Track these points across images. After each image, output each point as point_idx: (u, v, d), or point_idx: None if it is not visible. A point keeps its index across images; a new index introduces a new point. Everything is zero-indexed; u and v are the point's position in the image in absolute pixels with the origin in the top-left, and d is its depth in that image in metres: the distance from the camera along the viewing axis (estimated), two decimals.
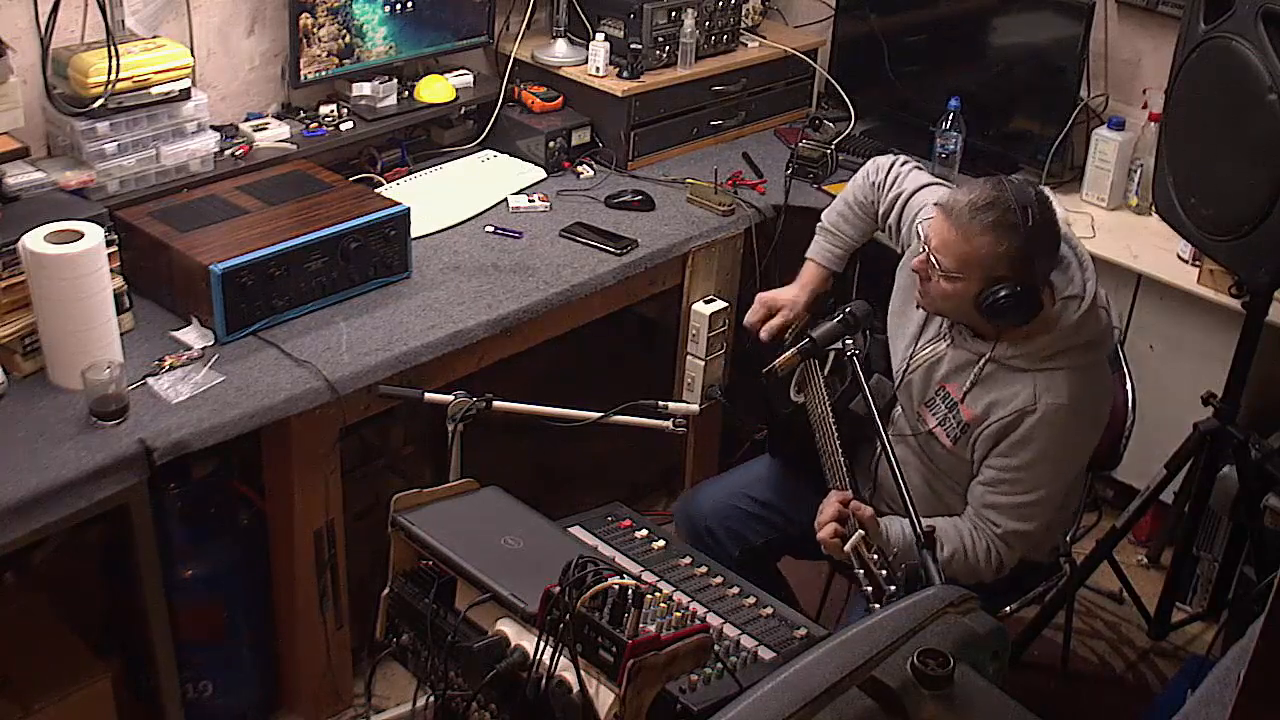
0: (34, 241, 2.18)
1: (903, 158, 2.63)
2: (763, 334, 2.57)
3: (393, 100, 3.13)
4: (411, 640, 1.90)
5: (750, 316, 2.59)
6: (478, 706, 1.77)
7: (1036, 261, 2.14)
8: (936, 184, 2.51)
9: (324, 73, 2.99)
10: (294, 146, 2.90)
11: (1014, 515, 2.21)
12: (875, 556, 1.96)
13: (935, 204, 2.21)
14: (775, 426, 2.71)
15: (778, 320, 2.55)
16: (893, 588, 1.90)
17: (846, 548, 1.99)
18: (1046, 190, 2.21)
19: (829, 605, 2.80)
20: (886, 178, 2.56)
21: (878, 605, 1.89)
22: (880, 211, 2.57)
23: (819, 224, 2.67)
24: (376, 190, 2.91)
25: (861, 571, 1.96)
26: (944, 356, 2.29)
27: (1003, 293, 2.12)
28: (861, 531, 1.99)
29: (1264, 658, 1.07)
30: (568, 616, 1.61)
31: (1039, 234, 2.13)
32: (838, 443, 2.26)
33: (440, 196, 3.04)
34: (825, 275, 2.61)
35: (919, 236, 2.28)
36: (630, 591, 1.58)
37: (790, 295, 2.58)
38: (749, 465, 2.68)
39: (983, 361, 2.22)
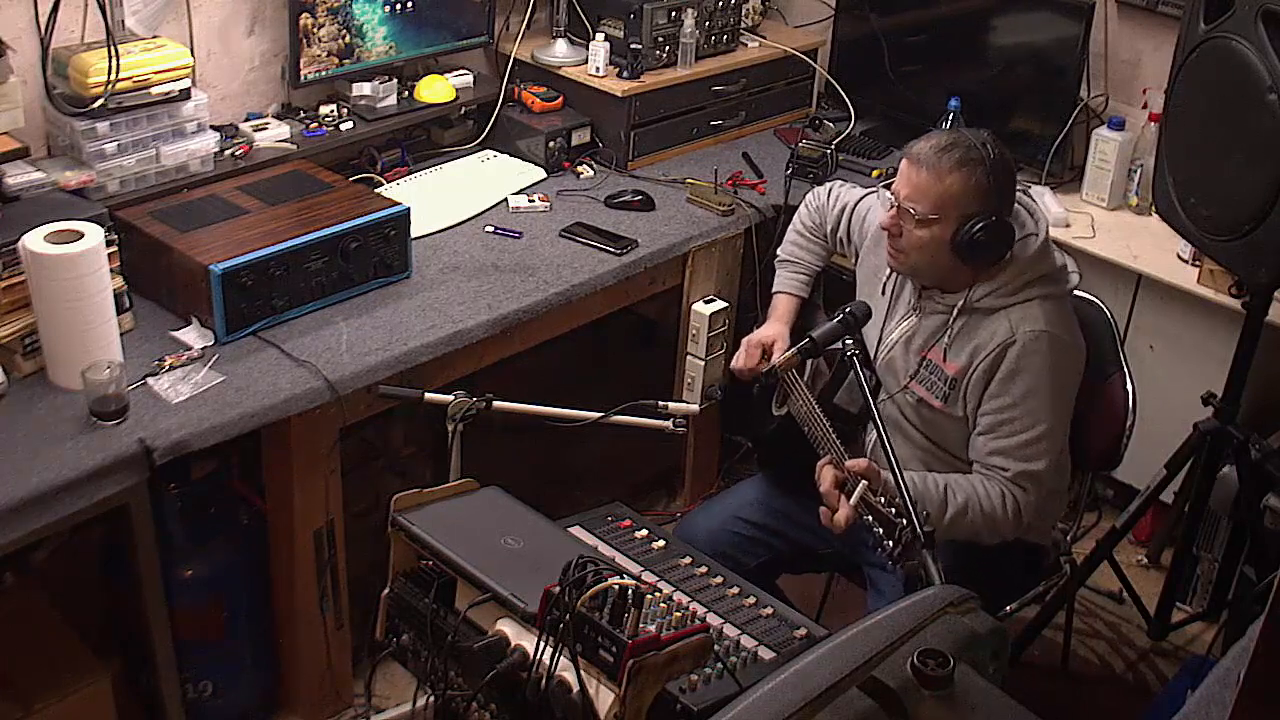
0: (34, 241, 2.18)
1: (839, 180, 2.77)
2: (774, 361, 2.52)
3: (393, 100, 3.13)
4: (411, 640, 1.90)
5: (747, 362, 2.54)
6: (478, 706, 1.77)
7: (1003, 192, 2.26)
8: (875, 192, 2.62)
9: (324, 73, 2.99)
10: (294, 146, 2.90)
11: (1019, 456, 2.24)
12: (883, 499, 1.99)
13: (902, 157, 2.29)
14: (761, 443, 2.73)
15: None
16: (904, 521, 1.91)
17: (852, 501, 2.03)
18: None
19: (829, 606, 2.80)
20: (828, 200, 2.69)
21: (891, 543, 1.92)
22: (830, 229, 2.67)
23: (777, 259, 2.75)
24: (376, 190, 2.91)
25: (870, 517, 1.99)
26: (915, 329, 2.36)
27: (979, 226, 2.22)
28: (865, 481, 2.04)
29: (1264, 658, 1.07)
30: (568, 616, 1.61)
31: (1000, 165, 2.25)
32: (829, 428, 2.27)
33: (440, 196, 3.04)
34: (796, 304, 2.68)
35: (887, 202, 2.32)
36: (630, 591, 1.58)
37: (774, 330, 2.60)
38: (740, 488, 2.70)
39: (955, 313, 2.29)
